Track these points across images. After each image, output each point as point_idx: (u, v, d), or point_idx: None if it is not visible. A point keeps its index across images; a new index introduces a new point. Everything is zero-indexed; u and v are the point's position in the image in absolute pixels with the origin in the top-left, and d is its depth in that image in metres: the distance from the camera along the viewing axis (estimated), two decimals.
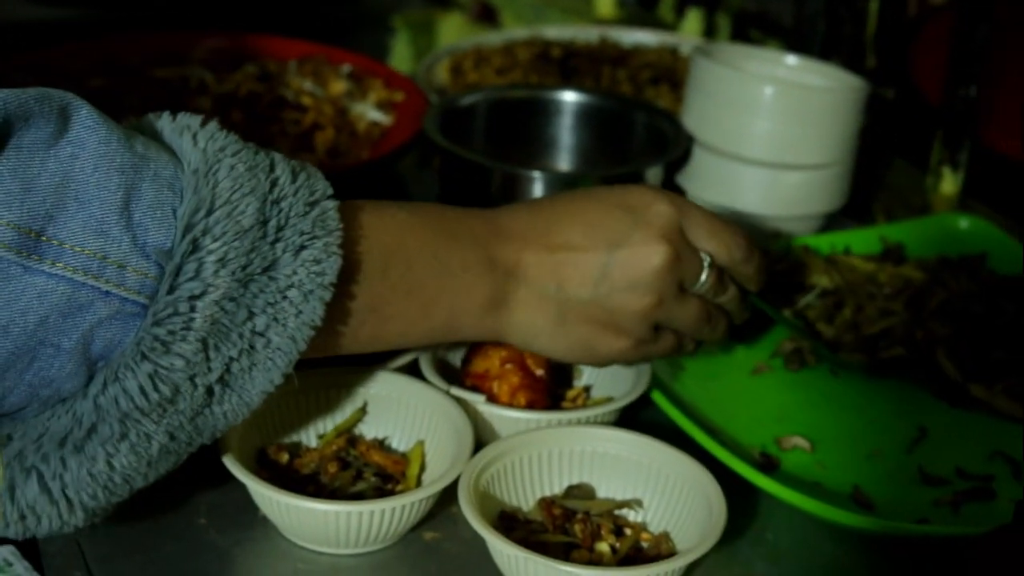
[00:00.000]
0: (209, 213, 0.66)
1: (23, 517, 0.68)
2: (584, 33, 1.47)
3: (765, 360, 0.98)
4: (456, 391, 0.84)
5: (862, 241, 1.09)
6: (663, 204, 0.82)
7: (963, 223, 1.12)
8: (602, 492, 0.81)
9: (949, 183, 1.22)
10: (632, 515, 0.81)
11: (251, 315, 0.68)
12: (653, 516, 0.80)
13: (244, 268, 0.67)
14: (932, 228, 1.11)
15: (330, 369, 0.85)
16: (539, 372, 0.86)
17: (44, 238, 0.64)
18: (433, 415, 0.83)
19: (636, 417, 0.88)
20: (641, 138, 1.14)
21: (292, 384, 0.71)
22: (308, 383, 0.83)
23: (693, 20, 1.57)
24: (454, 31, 1.72)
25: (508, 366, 0.86)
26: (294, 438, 0.84)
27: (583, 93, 1.17)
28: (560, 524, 0.78)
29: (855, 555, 0.81)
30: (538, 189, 1.03)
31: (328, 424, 0.84)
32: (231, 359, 0.68)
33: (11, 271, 0.63)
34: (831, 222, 1.14)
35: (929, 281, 1.01)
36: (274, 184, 0.69)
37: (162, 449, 0.69)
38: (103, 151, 0.65)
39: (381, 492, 0.80)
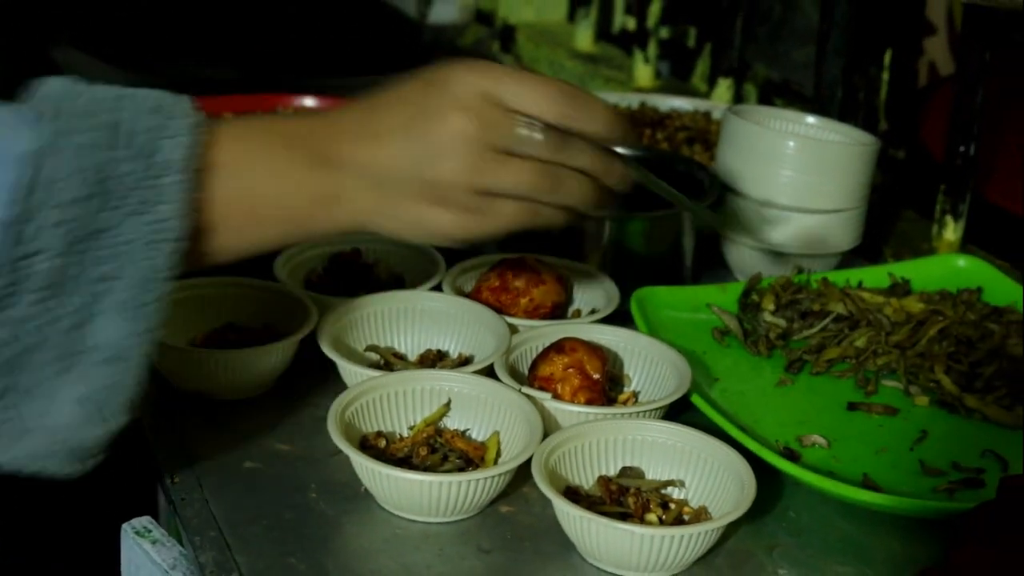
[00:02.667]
0: (48, 188, 0.74)
1: None
2: (626, 99, 1.64)
3: (786, 375, 1.13)
4: (527, 390, 1.00)
5: (873, 277, 1.24)
6: (463, 73, 0.85)
7: (961, 262, 1.27)
8: (650, 473, 0.96)
9: (951, 231, 1.38)
10: (675, 492, 0.95)
11: (94, 264, 0.76)
12: (693, 493, 0.95)
13: (78, 231, 0.75)
14: (934, 266, 1.27)
15: (419, 371, 1.01)
16: (596, 376, 1.01)
17: None
18: (507, 410, 0.98)
19: (677, 418, 1.03)
20: (680, 186, 1.29)
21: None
22: (401, 383, 0.99)
23: (723, 88, 1.74)
24: None
25: (570, 371, 1.01)
26: (389, 428, 0.99)
27: (629, 147, 1.33)
28: (616, 498, 0.93)
29: (865, 531, 0.96)
30: (590, 227, 1.19)
31: (418, 417, 1.00)
32: (86, 305, 0.75)
33: None
34: (846, 260, 1.30)
35: (930, 311, 1.16)
36: (117, 162, 0.76)
37: (48, 403, 0.76)
38: None
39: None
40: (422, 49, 2.11)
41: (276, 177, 0.83)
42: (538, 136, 0.85)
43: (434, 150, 0.84)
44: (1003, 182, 1.49)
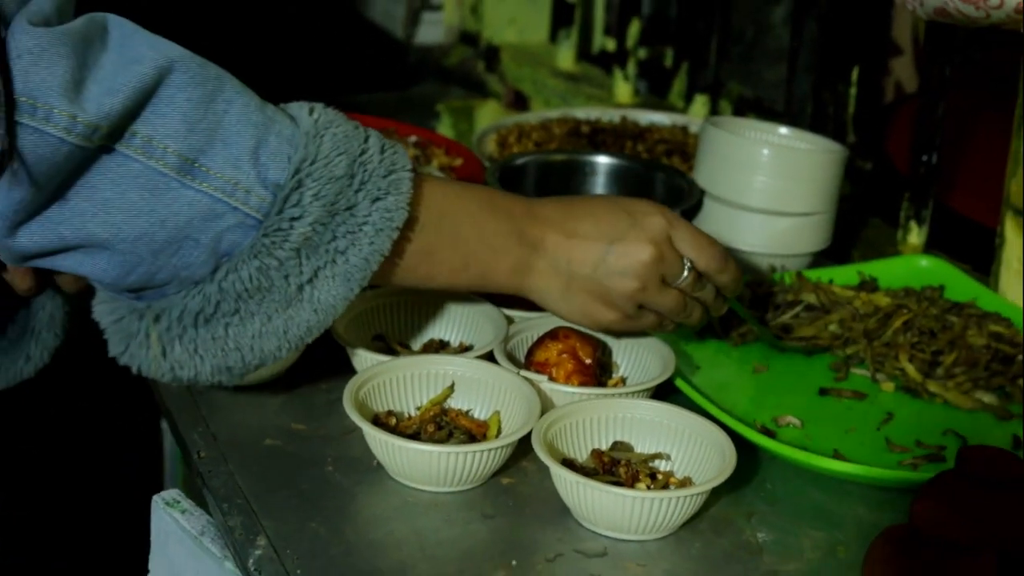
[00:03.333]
0: (312, 163, 0.93)
1: (172, 369, 0.95)
2: (608, 114, 1.73)
3: (763, 362, 1.22)
4: (524, 373, 1.08)
5: (843, 275, 1.33)
6: (657, 216, 1.08)
7: (924, 262, 1.36)
8: (639, 448, 1.05)
9: (915, 235, 1.47)
10: (662, 465, 1.04)
11: (335, 237, 0.94)
12: (678, 466, 1.04)
13: (332, 204, 0.93)
14: (899, 266, 1.36)
15: (425, 356, 1.09)
16: (588, 361, 1.10)
17: (197, 164, 0.90)
18: (507, 391, 1.07)
19: (662, 400, 1.11)
20: (660, 192, 1.39)
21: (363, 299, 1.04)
22: (409, 367, 1.07)
23: (700, 104, 1.83)
24: (490, 116, 1.99)
25: (564, 356, 1.10)
26: (398, 408, 1.07)
27: (613, 157, 1.43)
28: (608, 469, 1.01)
29: (835, 499, 1.04)
30: None
31: (424, 398, 1.08)
32: (318, 268, 0.94)
33: (171, 185, 0.90)
34: (817, 262, 1.39)
35: (895, 304, 1.26)
36: (363, 152, 0.96)
37: (261, 328, 0.95)
38: (244, 111, 0.92)
39: None
40: (408, 69, 2.20)
41: (481, 234, 1.03)
42: (691, 278, 1.08)
43: (622, 268, 1.06)
44: (966, 192, 1.58)
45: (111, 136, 0.88)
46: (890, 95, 1.84)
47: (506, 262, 1.05)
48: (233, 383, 0.98)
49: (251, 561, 0.93)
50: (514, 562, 0.94)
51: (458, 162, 1.51)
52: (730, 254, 1.11)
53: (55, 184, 0.88)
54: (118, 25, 0.91)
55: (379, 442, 1.00)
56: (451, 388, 1.08)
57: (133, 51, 0.89)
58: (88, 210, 0.89)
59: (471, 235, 1.03)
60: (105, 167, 0.89)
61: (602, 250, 1.06)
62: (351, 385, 1.04)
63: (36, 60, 0.85)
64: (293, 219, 0.93)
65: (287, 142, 0.94)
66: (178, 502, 1.06)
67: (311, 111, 0.96)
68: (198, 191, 0.91)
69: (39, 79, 0.85)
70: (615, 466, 1.02)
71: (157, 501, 1.07)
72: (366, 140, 0.97)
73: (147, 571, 1.10)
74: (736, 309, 1.19)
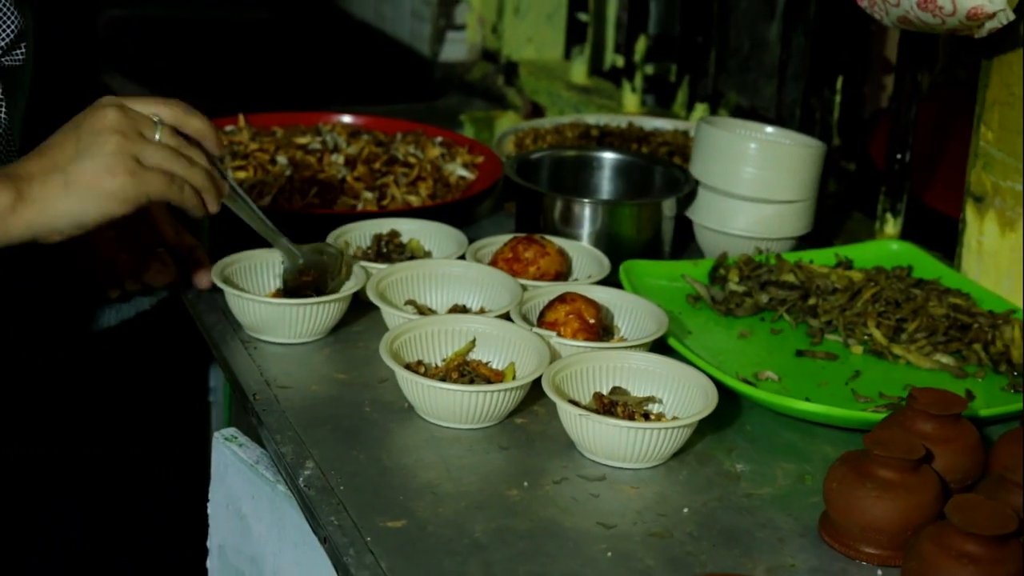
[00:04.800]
0: None
1: None
2: (615, 120, 1.90)
3: (748, 329, 1.38)
4: (536, 330, 1.24)
5: (822, 257, 1.50)
6: (104, 100, 1.17)
7: (895, 246, 1.53)
8: (634, 392, 1.21)
9: (891, 226, 1.63)
10: (655, 407, 1.20)
11: None
12: (669, 407, 1.20)
13: None
14: (872, 249, 1.52)
15: (450, 315, 1.26)
16: (592, 321, 1.26)
17: None
18: (521, 345, 1.23)
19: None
20: (660, 183, 1.56)
21: None
22: (437, 324, 1.24)
23: (700, 112, 2.00)
24: (509, 126, 2.15)
25: (570, 316, 1.26)
26: (427, 360, 1.24)
27: (618, 152, 1.60)
28: (607, 409, 1.17)
29: (805, 439, 1.20)
30: (587, 212, 1.45)
31: (449, 351, 1.24)
32: None
33: None
34: (799, 246, 1.55)
35: (866, 279, 1.42)
36: None
37: None
38: None
39: None
40: (434, 83, 2.37)
41: None
42: (167, 130, 1.17)
43: (94, 134, 1.13)
44: (941, 190, 1.75)
45: None
46: (872, 103, 2.00)
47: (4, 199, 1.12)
48: None
49: (301, 480, 1.09)
50: (525, 483, 1.10)
51: (480, 159, 1.68)
52: (191, 107, 1.22)
53: None
54: None
55: (411, 383, 1.17)
56: (473, 342, 1.25)
57: None
58: None
59: None
60: None
61: (73, 136, 1.15)
62: (386, 338, 1.20)
63: None
64: None
65: None
66: (235, 437, 1.23)
67: None
68: None
69: None
70: (614, 407, 1.17)
71: (217, 437, 1.23)
72: None
73: (207, 500, 1.26)
74: (235, 209, 1.28)
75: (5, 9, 1.22)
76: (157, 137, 1.17)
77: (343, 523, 1.04)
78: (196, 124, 1.20)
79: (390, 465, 1.12)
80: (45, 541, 1.34)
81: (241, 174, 1.59)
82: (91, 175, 1.13)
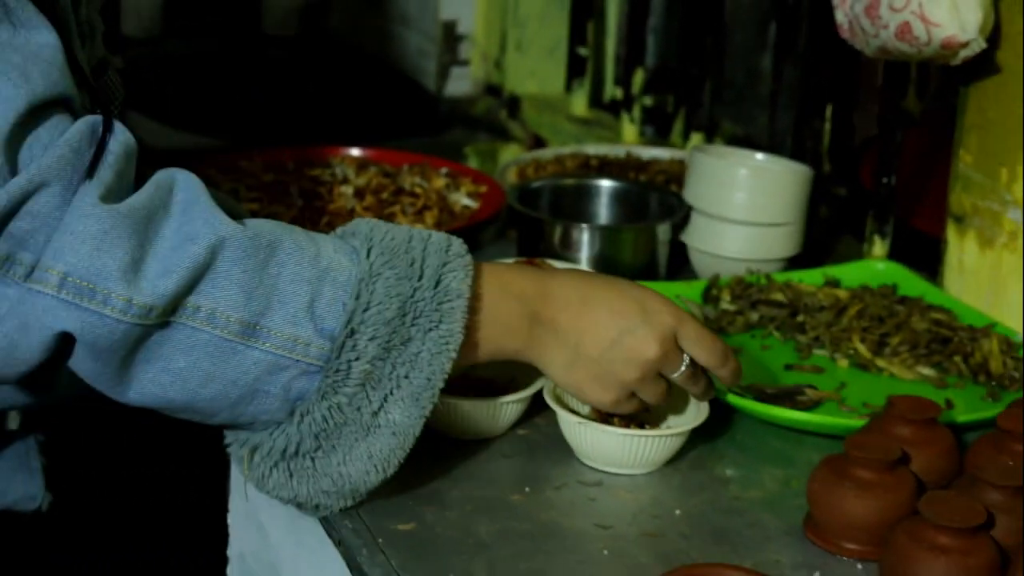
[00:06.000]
0: (366, 310, 1.03)
1: (273, 489, 1.08)
2: (614, 150, 1.98)
3: (738, 347, 1.45)
4: None
5: (810, 277, 1.57)
6: (667, 315, 1.14)
7: (880, 266, 1.60)
8: None
9: (878, 247, 1.70)
10: (650, 418, 1.27)
11: (394, 367, 1.05)
12: (663, 418, 1.26)
13: (387, 342, 1.04)
14: (859, 269, 1.59)
15: None
16: None
17: (258, 327, 1.02)
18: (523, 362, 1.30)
19: None
20: (655, 208, 1.63)
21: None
22: None
23: (696, 141, 2.07)
24: (512, 158, 2.23)
25: None
26: None
27: (615, 181, 1.68)
28: (604, 419, 1.23)
29: (791, 446, 1.27)
30: (586, 237, 1.52)
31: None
32: (386, 395, 1.05)
33: (236, 349, 1.02)
34: (790, 267, 1.62)
35: (851, 296, 1.49)
36: (415, 291, 1.05)
37: (345, 457, 1.06)
38: (297, 269, 1.03)
39: None
40: (439, 117, 2.45)
41: (494, 318, 1.10)
42: (687, 374, 1.16)
43: (627, 359, 1.13)
44: (926, 212, 1.81)
45: (165, 313, 0.99)
46: (862, 131, 2.07)
47: (517, 340, 1.13)
48: (336, 507, 1.09)
49: None
50: (527, 489, 1.17)
51: (483, 188, 1.76)
52: (730, 350, 1.18)
53: (119, 358, 1.00)
54: (184, 188, 1.01)
55: None
56: None
57: (190, 226, 0.99)
58: (166, 380, 1.01)
59: (485, 319, 1.10)
60: (176, 340, 1.00)
61: (612, 339, 1.12)
62: None
63: (99, 245, 0.96)
64: (351, 360, 1.03)
65: (342, 289, 1.03)
66: None
67: (368, 252, 1.05)
68: (262, 351, 1.02)
69: (100, 264, 0.96)
70: (611, 417, 1.24)
71: None
72: (420, 277, 1.05)
73: (227, 511, 1.34)
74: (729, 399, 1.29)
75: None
76: (671, 377, 1.16)
77: (356, 526, 1.11)
78: (725, 375, 1.19)
79: (399, 473, 1.19)
80: (63, 555, 1.38)
81: (255, 205, 1.67)
82: (589, 380, 1.14)
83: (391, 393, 1.05)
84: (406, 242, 1.08)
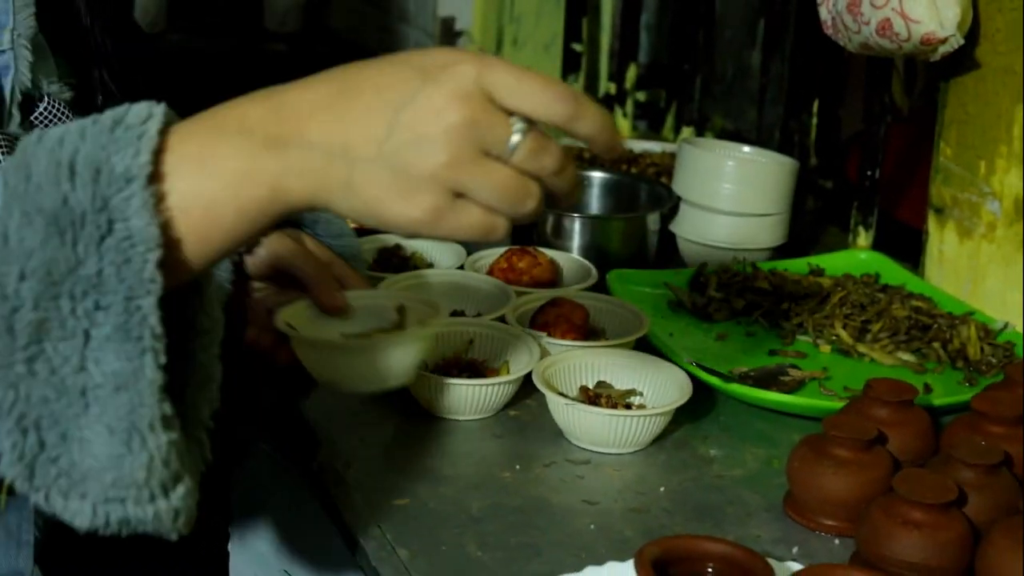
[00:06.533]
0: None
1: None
2: None
3: (724, 332, 1.49)
4: (529, 331, 1.36)
5: (795, 266, 1.61)
6: (461, 64, 0.79)
7: (863, 255, 1.64)
8: (617, 385, 1.32)
9: (862, 238, 1.74)
10: (636, 399, 1.31)
11: (74, 300, 0.76)
12: (648, 399, 1.31)
13: (47, 274, 0.76)
14: (842, 259, 1.64)
15: (450, 319, 1.37)
16: (579, 323, 1.37)
17: None
18: (514, 345, 1.35)
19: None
20: (645, 199, 1.68)
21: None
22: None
23: (686, 135, 2.12)
24: None
25: (560, 318, 1.37)
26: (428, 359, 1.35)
27: (605, 172, 1.72)
28: (592, 400, 1.28)
29: (774, 427, 1.31)
30: (577, 226, 1.57)
31: (449, 351, 1.36)
32: (83, 343, 0.76)
33: None
34: (775, 257, 1.67)
35: (834, 284, 1.53)
36: (66, 196, 0.76)
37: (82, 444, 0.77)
38: None
39: None
40: None
41: (228, 170, 0.79)
42: (529, 142, 0.80)
43: (415, 140, 0.78)
44: (911, 204, 1.86)
45: None
46: (849, 126, 2.12)
47: (260, 187, 0.79)
48: (155, 509, 0.80)
49: (314, 464, 1.21)
50: (518, 467, 1.22)
51: None
52: (581, 93, 0.83)
53: None
54: None
55: (422, 377, 1.28)
56: (470, 342, 1.36)
57: None
58: None
59: (196, 185, 0.79)
60: None
61: (388, 123, 0.78)
62: None
63: None
64: (9, 314, 0.77)
65: None
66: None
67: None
68: None
69: None
70: (598, 399, 1.29)
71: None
72: (72, 176, 0.77)
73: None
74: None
75: None
76: (505, 154, 0.80)
77: (353, 502, 1.15)
78: (587, 130, 0.83)
79: (394, 453, 1.23)
80: None
81: None
82: (380, 191, 0.79)
83: (85, 341, 0.77)
84: (58, 142, 0.78)
